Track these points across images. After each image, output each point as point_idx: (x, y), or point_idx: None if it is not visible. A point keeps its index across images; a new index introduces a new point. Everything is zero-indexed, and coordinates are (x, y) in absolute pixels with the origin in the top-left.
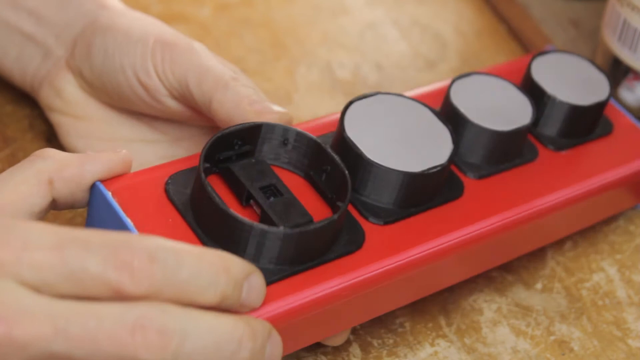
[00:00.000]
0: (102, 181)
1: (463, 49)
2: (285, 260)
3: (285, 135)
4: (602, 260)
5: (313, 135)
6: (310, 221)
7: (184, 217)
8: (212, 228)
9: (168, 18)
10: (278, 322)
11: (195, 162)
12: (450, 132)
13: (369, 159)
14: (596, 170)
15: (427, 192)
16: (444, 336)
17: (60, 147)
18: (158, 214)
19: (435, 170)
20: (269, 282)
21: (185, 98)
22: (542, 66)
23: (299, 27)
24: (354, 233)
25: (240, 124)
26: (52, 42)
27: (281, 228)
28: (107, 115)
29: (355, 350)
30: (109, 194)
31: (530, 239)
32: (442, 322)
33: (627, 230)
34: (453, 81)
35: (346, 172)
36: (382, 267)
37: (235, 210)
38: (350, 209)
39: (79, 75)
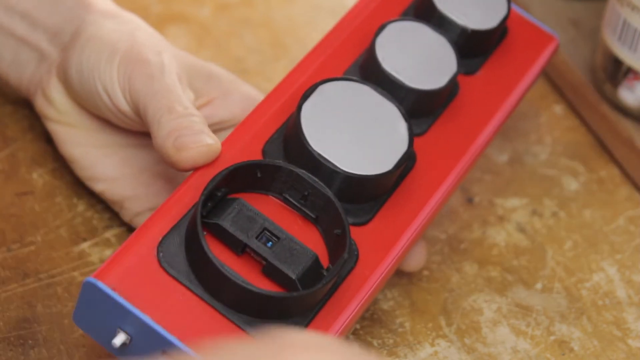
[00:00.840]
0: (94, 275)
1: None
2: (311, 308)
3: (255, 170)
4: (602, 260)
5: (285, 164)
6: (316, 258)
7: (190, 289)
8: (230, 300)
9: (168, 18)
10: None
11: (172, 216)
12: (407, 126)
13: (340, 170)
14: (517, 73)
15: (389, 182)
16: (444, 336)
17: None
18: (164, 295)
19: (390, 169)
20: (307, 324)
21: (142, 119)
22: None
23: (299, 27)
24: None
25: (215, 177)
26: (46, 46)
27: (304, 292)
28: (98, 124)
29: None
30: (111, 291)
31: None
32: (442, 322)
33: (627, 230)
34: (376, 37)
35: (333, 198)
36: (385, 269)
37: (231, 259)
38: None
39: (65, 85)
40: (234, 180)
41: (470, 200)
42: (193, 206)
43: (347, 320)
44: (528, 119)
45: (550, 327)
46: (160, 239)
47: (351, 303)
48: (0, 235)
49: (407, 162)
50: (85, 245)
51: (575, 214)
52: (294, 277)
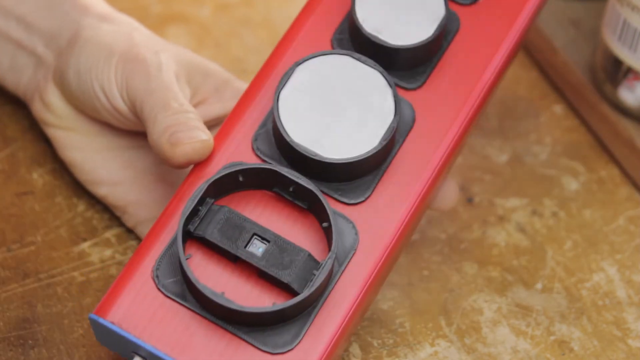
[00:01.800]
0: (95, 313)
1: None
2: (311, 305)
3: (236, 176)
4: (602, 260)
5: (264, 165)
6: (308, 255)
7: (190, 308)
8: (227, 317)
9: (168, 18)
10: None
11: (164, 236)
12: (392, 93)
13: (325, 158)
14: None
15: (382, 157)
16: (444, 336)
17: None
18: (165, 318)
19: (379, 147)
20: (310, 322)
21: (140, 119)
22: None
23: None
24: (348, 234)
25: (194, 194)
26: (42, 51)
27: (298, 298)
28: (97, 127)
29: (355, 350)
30: (114, 326)
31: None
32: (442, 322)
33: (627, 230)
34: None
35: (316, 192)
36: (390, 243)
37: (227, 267)
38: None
39: (62, 90)
40: (217, 189)
41: (470, 200)
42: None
43: (354, 309)
44: (528, 119)
45: (550, 327)
46: (155, 262)
47: (355, 288)
48: (0, 235)
49: (394, 134)
50: (85, 245)
51: (575, 214)
52: (287, 281)
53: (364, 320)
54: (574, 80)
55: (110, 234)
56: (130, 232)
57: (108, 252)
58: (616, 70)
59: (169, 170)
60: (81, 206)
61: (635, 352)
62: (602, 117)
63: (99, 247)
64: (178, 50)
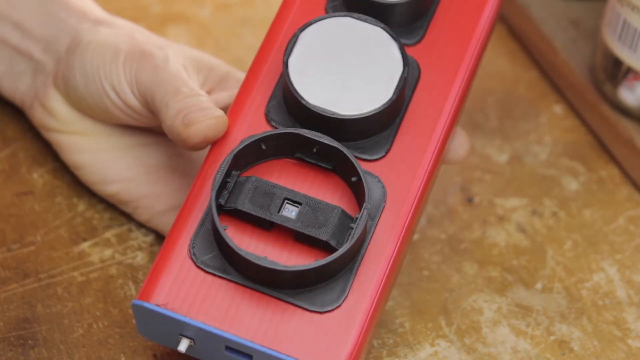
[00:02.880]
0: (138, 298)
1: None
2: (352, 259)
3: (259, 144)
4: (602, 260)
5: (286, 130)
6: (342, 211)
7: (232, 280)
8: (268, 281)
9: (168, 18)
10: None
11: (195, 214)
12: (398, 46)
13: (342, 116)
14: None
15: (396, 109)
16: (444, 336)
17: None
18: (209, 294)
19: (389, 102)
20: (352, 278)
21: (152, 112)
22: None
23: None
24: (375, 187)
25: (220, 167)
26: (40, 56)
27: (339, 252)
28: (105, 128)
29: None
30: (159, 308)
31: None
32: (442, 322)
33: (627, 230)
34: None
35: (340, 147)
36: (417, 190)
37: (262, 235)
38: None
39: (66, 94)
40: (241, 161)
41: (470, 200)
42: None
43: (393, 257)
44: (528, 119)
45: (550, 327)
46: (190, 240)
47: (391, 239)
48: (0, 235)
49: (406, 84)
50: (85, 245)
51: (575, 214)
52: (325, 238)
53: None
54: (574, 80)
55: (110, 234)
56: (130, 232)
57: (108, 252)
58: (616, 70)
59: (182, 162)
60: (81, 206)
61: (635, 352)
62: (602, 117)
63: (99, 247)
64: (181, 46)
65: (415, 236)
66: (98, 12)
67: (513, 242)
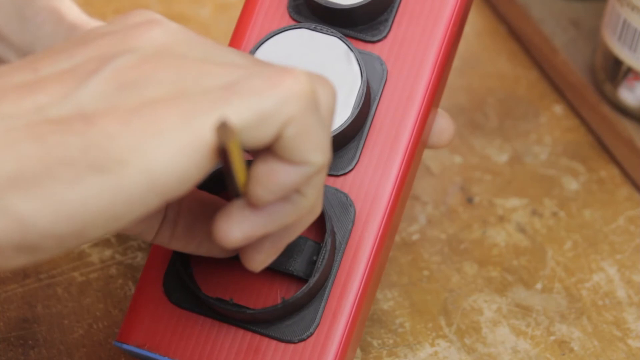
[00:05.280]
0: (118, 339)
1: (463, 49)
2: (321, 287)
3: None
4: (602, 260)
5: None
6: (309, 241)
7: (208, 316)
8: (237, 319)
9: (168, 18)
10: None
11: (161, 256)
12: (355, 57)
13: None
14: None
15: (358, 124)
16: (444, 336)
17: None
18: (185, 329)
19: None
20: (325, 301)
21: None
22: None
23: None
24: (345, 213)
25: None
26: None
27: (305, 288)
28: None
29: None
30: (138, 349)
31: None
32: (442, 322)
33: (627, 230)
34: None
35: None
36: (388, 203)
37: (231, 267)
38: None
39: None
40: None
41: (470, 200)
42: None
43: (366, 277)
44: (528, 119)
45: (550, 327)
46: (162, 278)
47: (363, 258)
48: None
49: (367, 98)
50: (85, 246)
51: (575, 214)
52: (293, 271)
53: None
54: (574, 80)
55: (110, 234)
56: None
57: (108, 252)
58: (616, 70)
59: None
60: None
61: (635, 352)
62: (602, 117)
63: (99, 247)
64: None
65: (415, 236)
66: (76, 14)
67: (513, 242)
